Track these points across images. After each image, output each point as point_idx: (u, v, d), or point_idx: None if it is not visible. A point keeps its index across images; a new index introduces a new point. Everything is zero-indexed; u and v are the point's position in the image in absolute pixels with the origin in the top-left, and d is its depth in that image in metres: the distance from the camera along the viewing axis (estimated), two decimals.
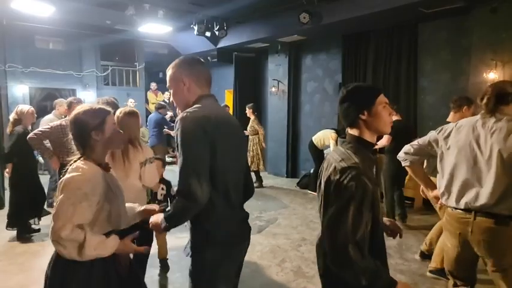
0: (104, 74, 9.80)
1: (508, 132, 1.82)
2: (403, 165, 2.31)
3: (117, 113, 2.36)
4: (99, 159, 1.54)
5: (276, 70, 8.05)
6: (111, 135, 1.54)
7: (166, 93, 9.16)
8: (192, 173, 1.40)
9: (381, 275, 1.24)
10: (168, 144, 7.88)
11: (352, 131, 1.39)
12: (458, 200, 1.96)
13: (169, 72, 1.65)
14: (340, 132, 6.10)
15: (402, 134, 4.11)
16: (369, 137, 1.37)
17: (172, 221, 1.50)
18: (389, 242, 4.06)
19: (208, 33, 7.04)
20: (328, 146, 6.16)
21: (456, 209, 1.98)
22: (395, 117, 4.54)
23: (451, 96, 3.70)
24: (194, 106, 1.55)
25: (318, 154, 6.21)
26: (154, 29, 7.27)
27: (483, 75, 4.71)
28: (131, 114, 2.41)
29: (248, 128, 6.90)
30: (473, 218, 1.88)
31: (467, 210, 1.92)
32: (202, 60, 1.74)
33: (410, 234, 4.22)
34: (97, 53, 9.53)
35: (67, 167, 1.49)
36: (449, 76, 5.40)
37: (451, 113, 3.30)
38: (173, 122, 5.96)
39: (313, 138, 6.23)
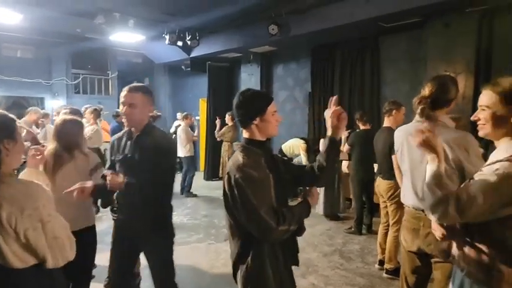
0: (75, 82, 9.65)
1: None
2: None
3: (57, 120, 2.39)
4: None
5: (249, 79, 8.20)
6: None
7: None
8: None
9: (296, 211, 1.57)
10: None
11: (245, 134, 1.62)
12: (411, 199, 2.09)
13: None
14: (309, 142, 6.29)
15: (365, 143, 4.29)
16: (259, 137, 1.61)
17: None
18: (352, 247, 4.23)
19: (180, 43, 7.12)
20: (298, 155, 6.32)
21: (410, 206, 2.12)
22: (363, 127, 4.73)
23: (411, 104, 3.94)
24: None
25: None
26: (126, 37, 7.27)
27: None
28: (70, 122, 2.40)
29: (218, 133, 7.03)
30: (425, 214, 2.01)
31: (417, 208, 2.04)
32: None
33: (373, 239, 4.38)
34: (68, 61, 9.39)
35: None
36: (409, 86, 5.70)
37: (385, 118, 3.56)
38: None
39: (283, 146, 6.38)
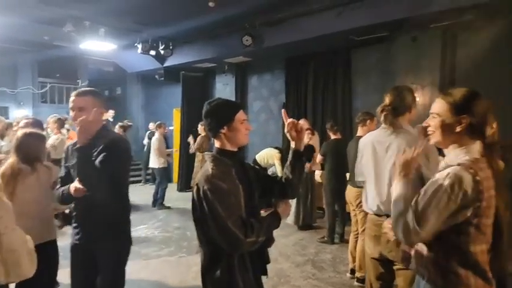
0: (42, 91, 9.30)
1: (400, 144, 1.99)
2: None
3: (18, 133, 2.36)
4: None
5: (224, 89, 8.19)
6: None
7: (111, 111, 8.88)
8: None
9: (265, 222, 1.53)
10: None
11: (216, 143, 1.60)
12: (373, 206, 2.14)
13: None
14: (283, 151, 6.31)
15: (337, 152, 4.34)
16: (229, 147, 1.58)
17: None
18: (324, 256, 4.23)
19: (153, 52, 7.04)
20: (272, 165, 6.32)
21: (373, 214, 2.16)
22: (334, 136, 4.81)
23: None
24: None
25: None
26: (97, 46, 7.10)
27: None
28: (30, 135, 2.38)
29: (192, 143, 6.91)
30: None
31: (379, 215, 2.09)
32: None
33: (345, 248, 4.40)
34: (34, 70, 9.07)
35: None
36: (379, 97, 5.76)
37: (359, 128, 3.64)
38: None
39: (257, 156, 6.36)
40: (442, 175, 1.25)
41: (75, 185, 1.88)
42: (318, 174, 5.23)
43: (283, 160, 6.06)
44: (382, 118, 2.07)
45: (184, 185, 8.23)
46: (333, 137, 4.85)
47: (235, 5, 5.38)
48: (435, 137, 1.36)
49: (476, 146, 1.27)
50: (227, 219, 1.41)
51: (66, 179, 2.03)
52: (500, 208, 1.25)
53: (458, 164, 1.24)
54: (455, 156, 1.30)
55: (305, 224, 5.33)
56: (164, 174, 6.71)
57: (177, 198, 7.42)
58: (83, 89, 2.13)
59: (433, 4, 4.25)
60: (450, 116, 1.30)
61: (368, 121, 3.68)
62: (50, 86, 9.46)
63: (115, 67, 9.66)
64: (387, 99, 2.06)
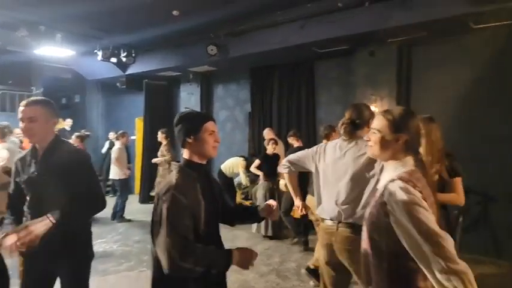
0: None
1: (356, 151, 2.14)
2: (282, 171, 2.55)
3: None
4: None
5: (188, 99, 8.09)
6: None
7: (68, 120, 8.47)
8: None
9: (211, 255, 1.42)
10: None
11: (184, 153, 1.58)
12: (325, 213, 2.20)
13: None
14: (248, 160, 6.31)
15: None
16: (197, 159, 1.56)
17: None
18: (289, 265, 4.23)
19: (114, 59, 6.82)
20: (237, 174, 6.30)
21: (324, 220, 2.22)
22: (297, 144, 4.93)
23: None
24: None
25: (227, 182, 6.29)
26: (53, 52, 6.75)
27: None
28: None
29: (158, 154, 6.71)
30: (336, 229, 2.12)
31: (332, 220, 2.16)
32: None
33: (310, 256, 4.44)
34: None
35: None
36: (341, 108, 6.05)
37: (324, 141, 3.75)
38: None
39: (222, 166, 6.31)
40: (396, 195, 1.25)
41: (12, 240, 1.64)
42: (282, 184, 5.26)
43: (248, 169, 6.05)
44: (342, 131, 2.22)
45: (147, 196, 7.96)
46: (295, 144, 4.94)
47: (200, 15, 5.36)
48: (373, 150, 1.44)
49: (410, 160, 1.37)
50: (170, 236, 1.36)
51: (18, 196, 1.91)
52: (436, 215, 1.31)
53: (397, 177, 1.30)
54: (393, 170, 1.37)
55: (274, 233, 5.32)
56: (125, 185, 6.45)
57: (139, 210, 7.15)
58: (33, 98, 2.00)
59: (389, 20, 4.48)
60: (389, 133, 1.38)
61: (332, 133, 3.87)
62: (1, 92, 8.85)
63: (73, 74, 9.23)
64: (347, 115, 2.24)
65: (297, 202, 2.59)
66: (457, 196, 2.41)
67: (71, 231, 1.86)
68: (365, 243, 1.41)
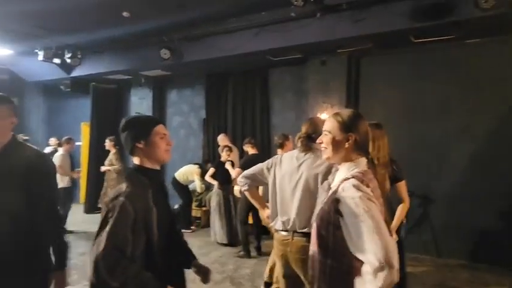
0: None
1: (313, 162, 2.18)
2: (242, 189, 2.50)
3: None
4: None
5: (140, 103, 7.79)
6: None
7: None
8: None
9: (143, 279, 1.31)
10: None
11: (134, 159, 1.51)
12: (280, 223, 2.20)
13: None
14: (203, 167, 6.21)
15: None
16: (149, 164, 1.49)
17: None
18: (243, 271, 4.20)
19: (57, 60, 6.39)
20: (192, 181, 6.16)
21: (278, 231, 2.22)
22: (252, 151, 4.94)
23: (296, 132, 4.24)
24: None
25: (183, 189, 6.13)
26: None
27: (318, 114, 5.57)
28: None
29: (106, 162, 6.33)
30: (292, 239, 2.12)
31: (286, 231, 2.16)
32: None
33: (264, 261, 4.44)
34: None
35: None
36: (294, 115, 6.20)
37: (278, 150, 3.80)
38: None
39: (176, 174, 6.14)
40: (349, 191, 1.30)
41: None
42: (237, 190, 5.24)
43: (203, 176, 5.94)
44: (299, 144, 2.29)
45: (93, 206, 7.49)
46: (251, 151, 4.94)
47: (152, 18, 5.22)
48: (327, 153, 1.47)
49: (364, 161, 1.42)
50: (105, 245, 1.26)
51: None
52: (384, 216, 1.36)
53: (352, 176, 1.34)
54: (347, 170, 1.41)
55: (232, 240, 5.26)
56: (67, 194, 6.01)
57: (83, 220, 6.71)
58: None
59: (338, 32, 4.69)
60: (339, 133, 1.43)
61: (286, 142, 3.86)
62: None
63: (11, 75, 8.51)
64: (303, 129, 2.32)
65: (265, 213, 2.55)
66: (404, 205, 2.65)
67: (38, 243, 1.72)
68: (313, 245, 1.43)
